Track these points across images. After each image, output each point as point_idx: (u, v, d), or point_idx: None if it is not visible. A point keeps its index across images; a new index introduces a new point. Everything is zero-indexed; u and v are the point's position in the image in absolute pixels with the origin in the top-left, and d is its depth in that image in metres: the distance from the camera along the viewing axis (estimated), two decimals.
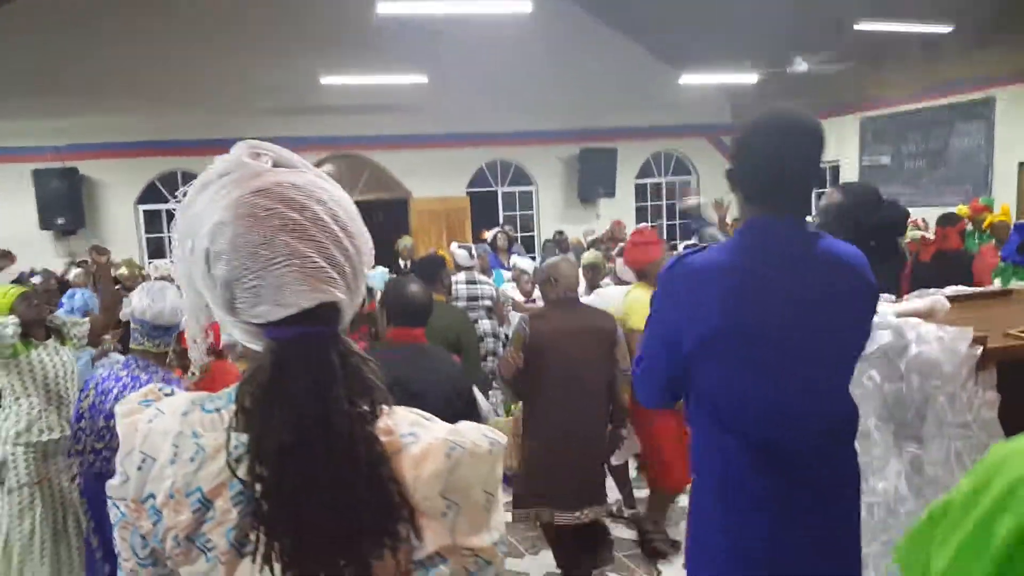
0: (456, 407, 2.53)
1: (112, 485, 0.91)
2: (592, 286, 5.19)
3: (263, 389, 0.84)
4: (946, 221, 5.78)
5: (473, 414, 2.64)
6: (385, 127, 10.99)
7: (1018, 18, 8.06)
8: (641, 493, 4.38)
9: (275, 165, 0.89)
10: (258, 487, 0.82)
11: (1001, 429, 1.45)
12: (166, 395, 0.94)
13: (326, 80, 9.61)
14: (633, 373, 1.81)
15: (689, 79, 10.59)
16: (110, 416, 2.82)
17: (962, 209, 7.85)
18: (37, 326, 3.56)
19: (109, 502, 0.91)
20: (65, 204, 9.91)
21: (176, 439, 0.86)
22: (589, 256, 5.45)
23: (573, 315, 3.53)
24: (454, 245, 6.74)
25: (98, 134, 10.10)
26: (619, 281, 4.66)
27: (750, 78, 10.46)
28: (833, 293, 1.56)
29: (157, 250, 10.72)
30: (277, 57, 10.00)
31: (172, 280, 5.53)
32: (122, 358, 3.29)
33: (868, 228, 2.76)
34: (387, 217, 12.65)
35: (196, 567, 0.85)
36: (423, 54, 9.59)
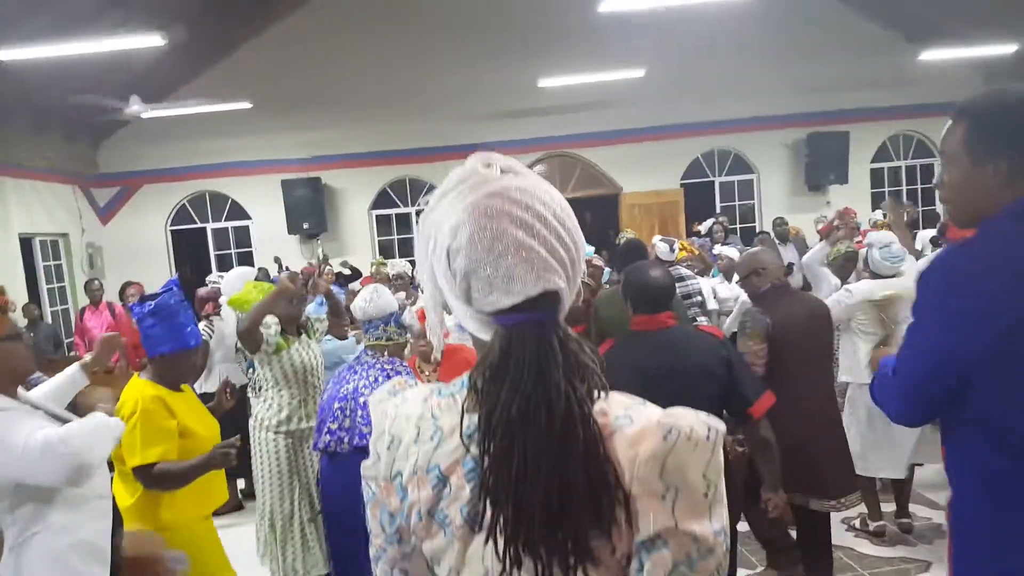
0: (719, 377, 2.62)
1: (366, 465, 1.05)
2: (843, 280, 4.80)
3: (492, 370, 0.93)
4: None
5: (738, 380, 2.65)
6: (598, 123, 11.01)
7: None
8: None
9: (503, 172, 0.98)
10: (486, 460, 0.91)
11: None
12: (410, 386, 1.09)
13: (543, 83, 9.76)
14: (879, 385, 1.68)
15: (932, 55, 9.48)
16: (343, 398, 3.21)
17: None
18: (293, 323, 3.87)
19: (363, 483, 1.06)
20: (309, 210, 10.97)
21: (419, 421, 1.00)
22: (842, 247, 4.93)
23: (796, 303, 3.46)
24: (656, 238, 6.57)
25: (337, 146, 11.08)
26: (874, 275, 4.18)
27: (1007, 48, 9.14)
28: None
29: (387, 251, 11.51)
30: (496, 64, 10.32)
31: (406, 276, 5.85)
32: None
33: None
34: (596, 214, 12.67)
35: (436, 542, 0.97)
36: (642, 48, 9.46)
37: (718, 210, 11.37)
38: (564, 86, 10.02)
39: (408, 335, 3.42)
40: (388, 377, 3.11)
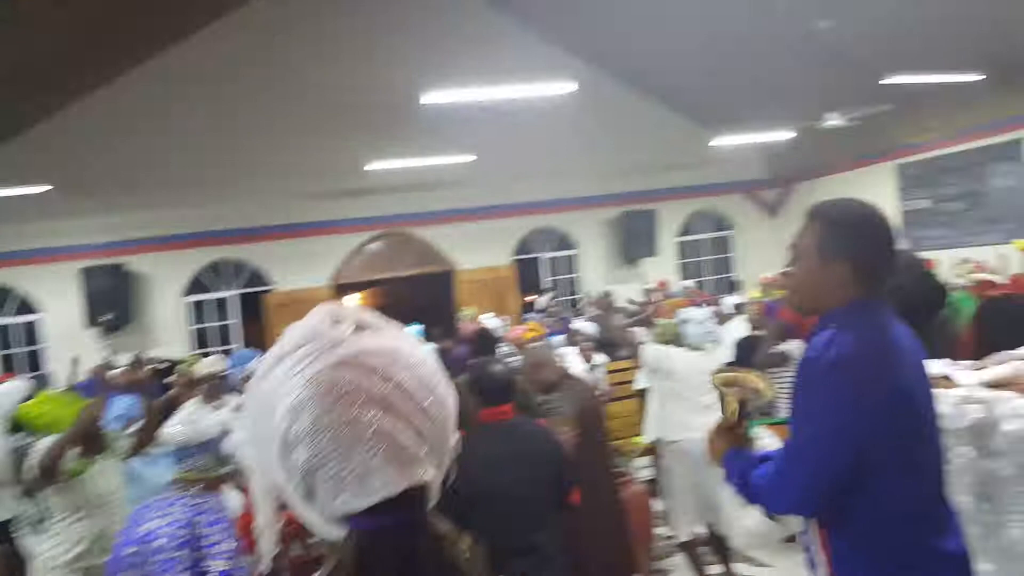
0: (555, 464, 2.87)
1: None
2: None
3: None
4: None
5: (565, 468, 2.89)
6: (429, 204, 11.11)
7: None
8: None
9: (357, 329, 0.81)
10: None
11: None
12: None
13: (370, 166, 9.72)
14: (757, 487, 1.71)
15: (724, 140, 10.71)
16: (135, 542, 2.61)
17: (1019, 243, 7.82)
18: (96, 439, 3.34)
19: None
20: (112, 300, 9.92)
21: None
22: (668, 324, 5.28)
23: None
24: (484, 316, 6.87)
25: (145, 228, 10.20)
26: (691, 348, 4.53)
27: (785, 134, 10.55)
28: (924, 374, 1.67)
29: (203, 340, 10.70)
30: (322, 144, 10.13)
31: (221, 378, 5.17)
32: None
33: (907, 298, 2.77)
34: (434, 291, 12.68)
35: None
36: (469, 135, 9.73)
37: (543, 284, 11.85)
38: (393, 168, 10.03)
39: (229, 466, 2.86)
40: (195, 517, 2.63)
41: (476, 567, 0.79)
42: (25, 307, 10.21)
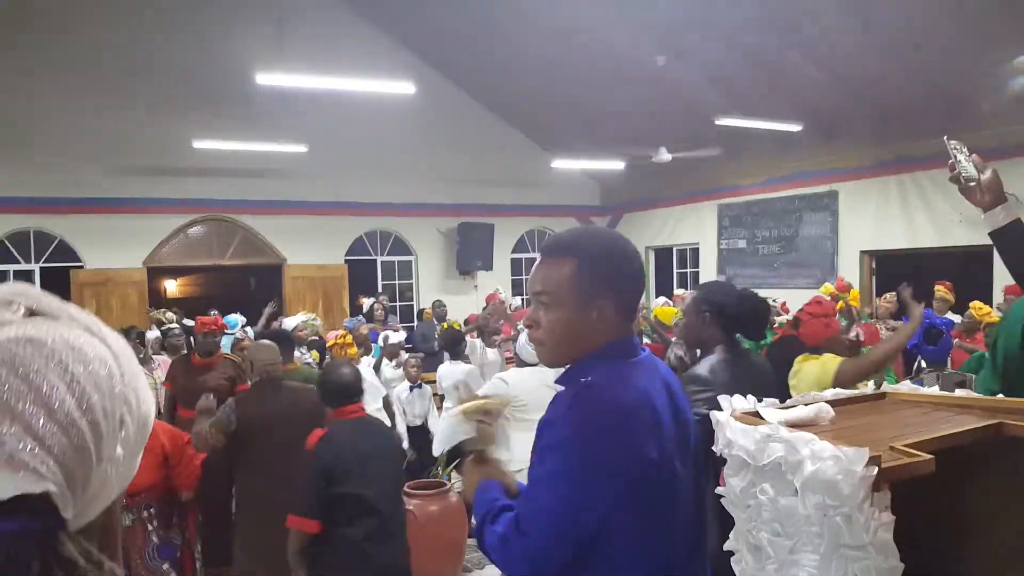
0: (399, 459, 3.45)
1: None
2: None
3: None
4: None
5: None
6: (260, 192, 10.71)
7: (858, 121, 8.99)
8: None
9: (32, 314, 0.70)
10: None
11: (896, 551, 1.51)
12: None
13: (199, 144, 9.26)
14: (492, 536, 1.49)
15: (561, 164, 11.06)
16: None
17: (827, 288, 8.44)
18: None
19: None
20: None
21: None
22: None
23: (282, 396, 3.79)
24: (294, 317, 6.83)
25: None
26: (520, 363, 4.39)
27: (617, 165, 11.03)
28: (685, 415, 1.58)
29: None
30: (149, 116, 9.61)
31: None
32: None
33: (732, 316, 2.93)
34: (259, 283, 12.20)
35: None
36: (304, 124, 9.49)
37: (380, 288, 11.69)
38: (222, 150, 9.61)
39: None
40: None
41: None
42: None
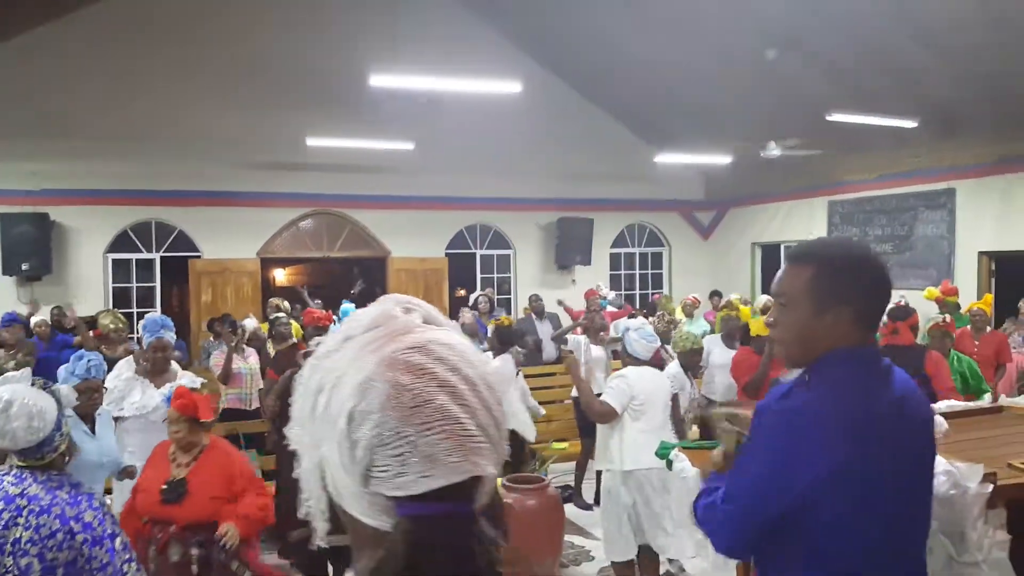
0: None
1: None
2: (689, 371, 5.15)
3: (393, 567, 0.71)
4: (897, 315, 5.12)
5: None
6: (367, 187, 11.05)
7: (980, 116, 8.47)
8: None
9: (424, 322, 0.81)
10: None
11: (1013, 570, 1.46)
12: None
13: (312, 141, 9.67)
14: (705, 514, 1.67)
15: (664, 157, 10.90)
16: None
17: (931, 292, 8.06)
18: None
19: None
20: (31, 249, 9.68)
21: None
22: (688, 339, 5.15)
23: None
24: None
25: (73, 179, 9.93)
26: (633, 359, 4.37)
27: (724, 159, 10.79)
28: (922, 423, 1.61)
29: (122, 300, 10.49)
30: (265, 115, 10.06)
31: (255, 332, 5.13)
32: None
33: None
34: (365, 274, 12.65)
35: None
36: (412, 122, 9.73)
37: (479, 281, 11.89)
38: (334, 147, 9.99)
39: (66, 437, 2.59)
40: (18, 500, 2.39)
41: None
42: None
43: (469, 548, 0.71)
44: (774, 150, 9.69)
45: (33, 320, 8.11)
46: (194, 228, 10.74)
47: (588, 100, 11.91)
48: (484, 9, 10.82)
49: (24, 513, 2.35)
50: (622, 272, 13.17)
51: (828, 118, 8.29)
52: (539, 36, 10.91)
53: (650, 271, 13.44)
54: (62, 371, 3.78)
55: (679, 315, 9.15)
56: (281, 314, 7.20)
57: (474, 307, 9.20)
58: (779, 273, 1.67)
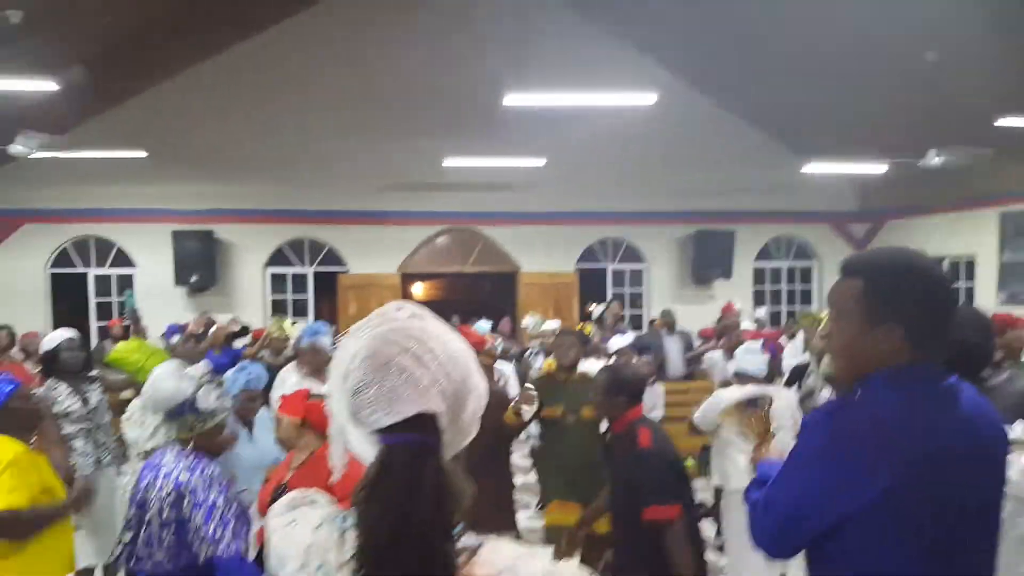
0: None
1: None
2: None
3: (367, 490, 1.01)
4: None
5: None
6: (499, 204, 11.25)
7: None
8: None
9: (411, 317, 1.12)
10: None
11: None
12: (309, 503, 1.20)
13: (448, 162, 9.96)
14: (752, 512, 1.63)
15: (813, 167, 10.24)
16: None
17: None
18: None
19: None
20: (199, 263, 10.65)
21: (306, 551, 1.09)
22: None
23: None
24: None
25: (234, 200, 10.87)
26: (745, 378, 4.29)
27: (879, 168, 10.00)
28: (988, 447, 1.50)
29: (279, 311, 11.26)
30: (403, 139, 10.48)
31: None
32: None
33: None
34: (495, 289, 12.83)
35: None
36: (543, 139, 9.77)
37: (610, 295, 11.74)
38: (468, 167, 10.23)
39: (217, 418, 2.94)
40: (183, 475, 2.73)
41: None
42: (119, 260, 11.09)
43: (424, 465, 1.00)
44: (935, 158, 8.87)
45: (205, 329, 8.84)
46: (342, 245, 11.40)
47: (726, 109, 11.42)
48: (616, 22, 10.65)
49: (160, 475, 2.72)
50: (767, 287, 12.54)
51: (996, 122, 7.51)
52: (673, 46, 10.59)
53: (798, 286, 12.71)
54: (228, 377, 4.11)
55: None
56: None
57: (599, 321, 9.07)
58: (833, 284, 1.60)
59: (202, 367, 3.75)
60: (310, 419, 3.23)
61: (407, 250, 11.47)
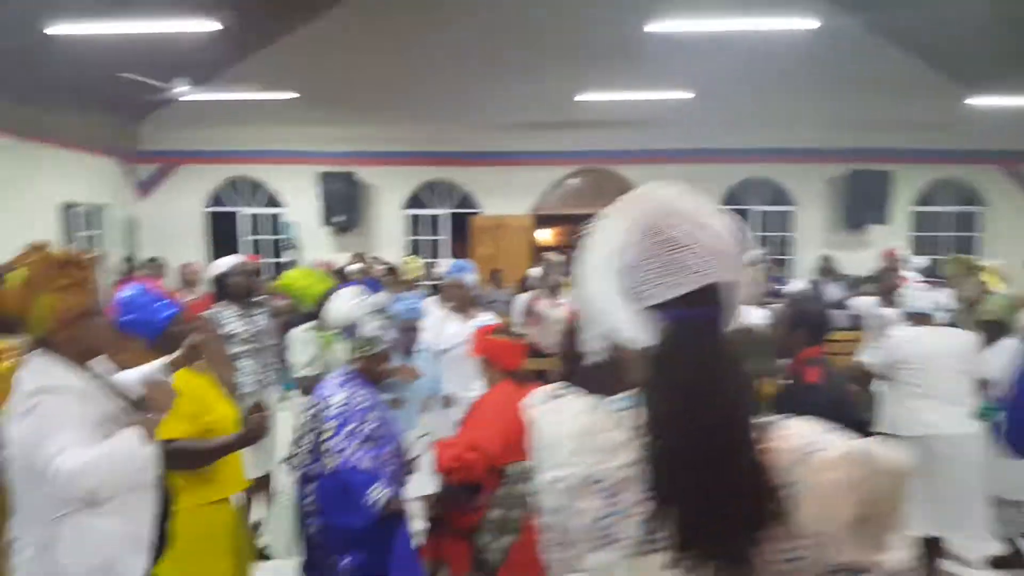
0: None
1: (523, 469, 1.11)
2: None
3: (655, 366, 0.97)
4: None
5: None
6: (635, 142, 10.89)
7: None
8: None
9: (679, 194, 1.07)
10: (651, 461, 0.94)
11: None
12: (564, 394, 1.11)
13: (580, 97, 9.72)
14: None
15: (980, 100, 9.22)
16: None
17: None
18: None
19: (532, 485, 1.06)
20: (343, 204, 11.01)
21: (579, 433, 1.01)
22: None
23: None
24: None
25: (374, 143, 11.13)
26: (918, 318, 4.00)
27: None
28: None
29: (416, 251, 11.49)
30: (533, 75, 10.31)
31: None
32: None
33: None
34: None
35: (603, 556, 0.97)
36: (685, 70, 9.30)
37: (755, 239, 11.16)
38: (601, 101, 9.94)
39: (378, 346, 3.05)
40: (342, 395, 2.92)
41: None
42: (268, 200, 11.63)
43: (717, 340, 0.97)
44: None
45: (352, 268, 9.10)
46: (475, 186, 11.47)
47: (884, 37, 10.43)
48: None
49: (323, 389, 2.99)
50: (927, 233, 11.54)
51: None
52: None
53: (960, 233, 11.61)
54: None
55: (995, 283, 7.81)
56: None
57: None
58: None
59: (379, 297, 4.03)
60: (490, 356, 3.20)
61: (539, 191, 11.40)
